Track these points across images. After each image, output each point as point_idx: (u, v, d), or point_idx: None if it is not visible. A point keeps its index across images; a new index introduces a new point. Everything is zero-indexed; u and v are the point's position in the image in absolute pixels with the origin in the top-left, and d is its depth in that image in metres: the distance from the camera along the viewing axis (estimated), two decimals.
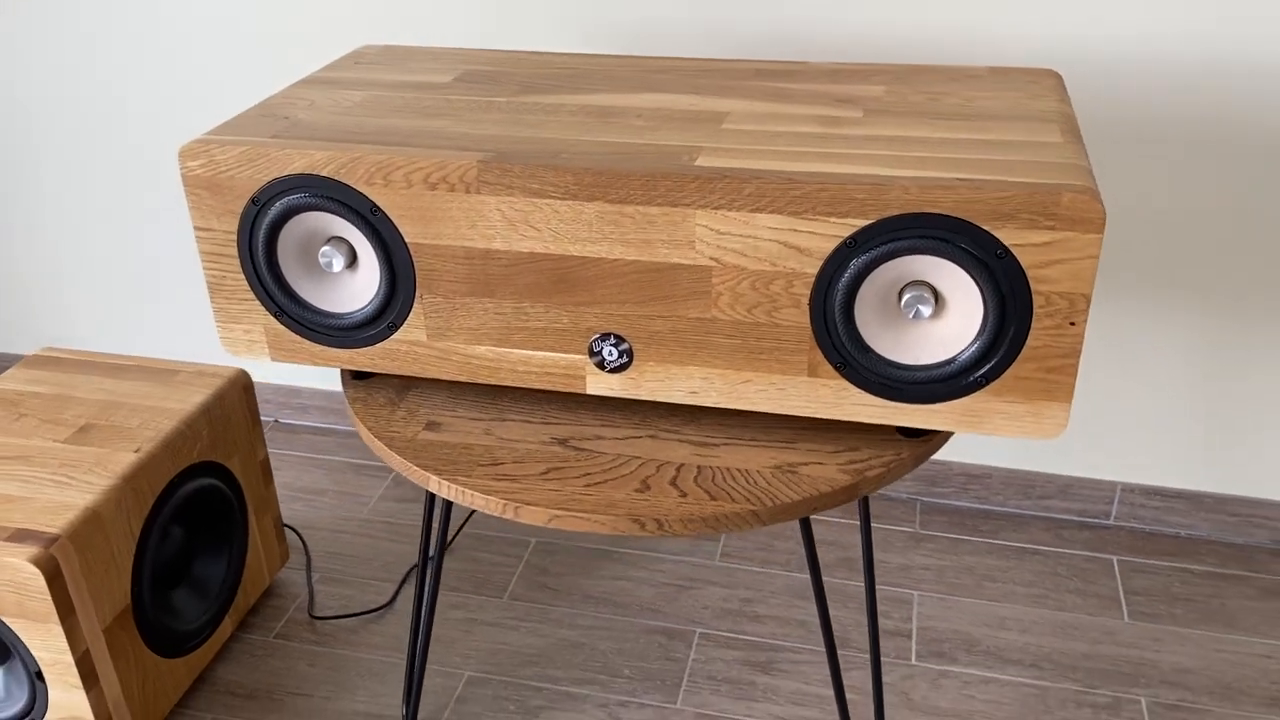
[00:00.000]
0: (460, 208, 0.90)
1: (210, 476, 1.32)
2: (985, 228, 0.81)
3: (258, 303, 1.00)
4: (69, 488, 1.16)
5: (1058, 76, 1.07)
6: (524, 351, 0.96)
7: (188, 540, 1.33)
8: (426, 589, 1.15)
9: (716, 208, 0.85)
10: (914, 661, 1.37)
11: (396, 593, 1.50)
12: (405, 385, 1.06)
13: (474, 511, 1.63)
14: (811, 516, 1.60)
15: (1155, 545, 1.56)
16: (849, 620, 1.43)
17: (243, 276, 0.99)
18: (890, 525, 1.60)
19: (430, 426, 0.99)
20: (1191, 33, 1.28)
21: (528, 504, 0.89)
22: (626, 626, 1.43)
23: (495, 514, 0.90)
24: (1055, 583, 1.49)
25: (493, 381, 0.98)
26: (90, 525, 1.12)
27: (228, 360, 1.84)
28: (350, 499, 1.69)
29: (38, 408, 1.30)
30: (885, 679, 1.34)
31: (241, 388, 1.37)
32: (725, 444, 0.96)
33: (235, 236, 0.97)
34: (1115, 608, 1.45)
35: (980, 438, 1.60)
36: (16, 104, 1.70)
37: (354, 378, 1.06)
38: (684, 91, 1.04)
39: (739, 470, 0.92)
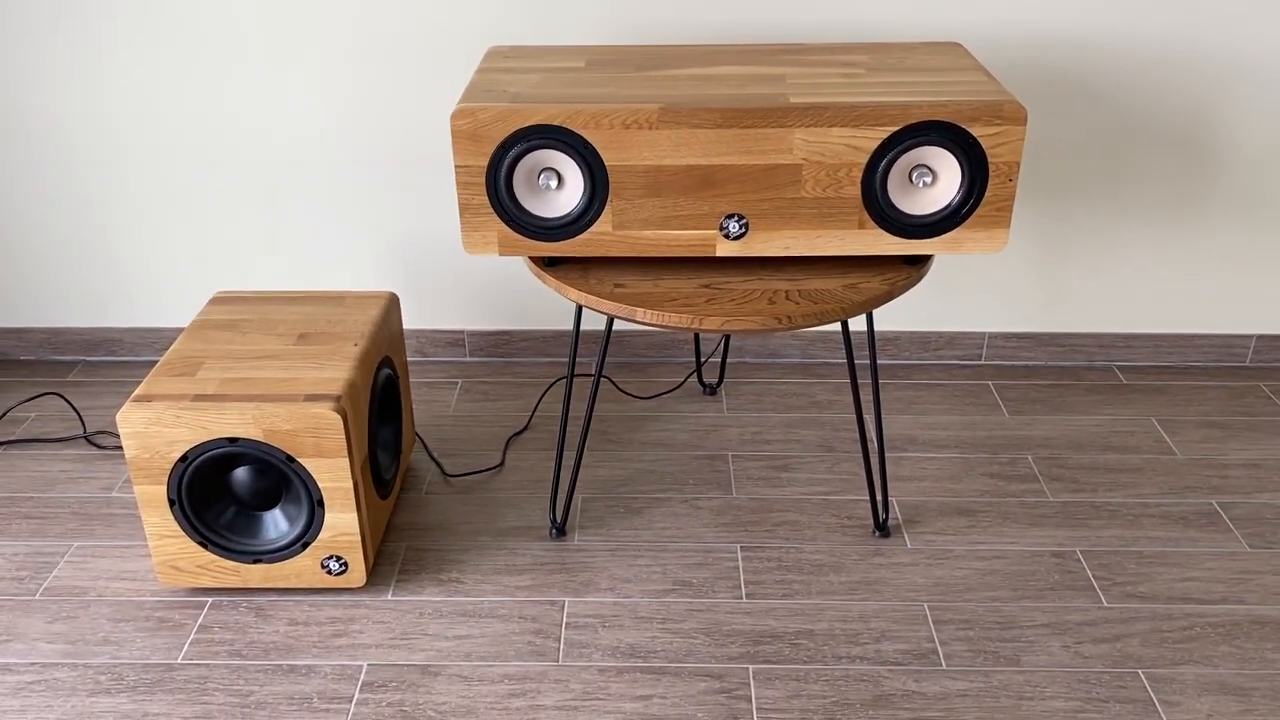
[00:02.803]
0: (645, 139, 1.44)
1: (388, 368, 1.78)
2: (963, 126, 1.43)
3: (494, 216, 1.50)
4: (326, 368, 1.60)
5: (961, 45, 1.71)
6: (676, 231, 1.51)
7: (379, 413, 1.78)
8: (587, 407, 1.67)
9: (809, 126, 1.43)
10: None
11: (503, 457, 1.99)
12: (584, 266, 1.58)
13: (542, 398, 2.14)
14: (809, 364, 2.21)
15: (1013, 372, 2.26)
16: (826, 435, 2.04)
17: (485, 198, 1.49)
18: (835, 379, 2.23)
19: (618, 285, 1.52)
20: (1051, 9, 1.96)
21: (707, 316, 1.45)
22: (678, 457, 1.99)
23: (683, 327, 1.45)
24: (955, 401, 2.16)
25: (654, 254, 1.52)
26: (353, 390, 1.58)
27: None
28: (434, 404, 2.15)
29: (255, 326, 1.72)
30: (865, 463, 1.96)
31: (396, 305, 1.83)
32: (806, 278, 1.54)
33: (485, 170, 1.47)
34: (999, 410, 2.13)
35: (891, 312, 2.25)
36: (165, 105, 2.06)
37: (546, 265, 1.57)
38: (744, 64, 1.62)
39: (823, 289, 1.51)
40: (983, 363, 2.29)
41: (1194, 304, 2.22)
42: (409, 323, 2.27)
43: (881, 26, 1.96)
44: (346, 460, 1.55)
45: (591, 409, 1.67)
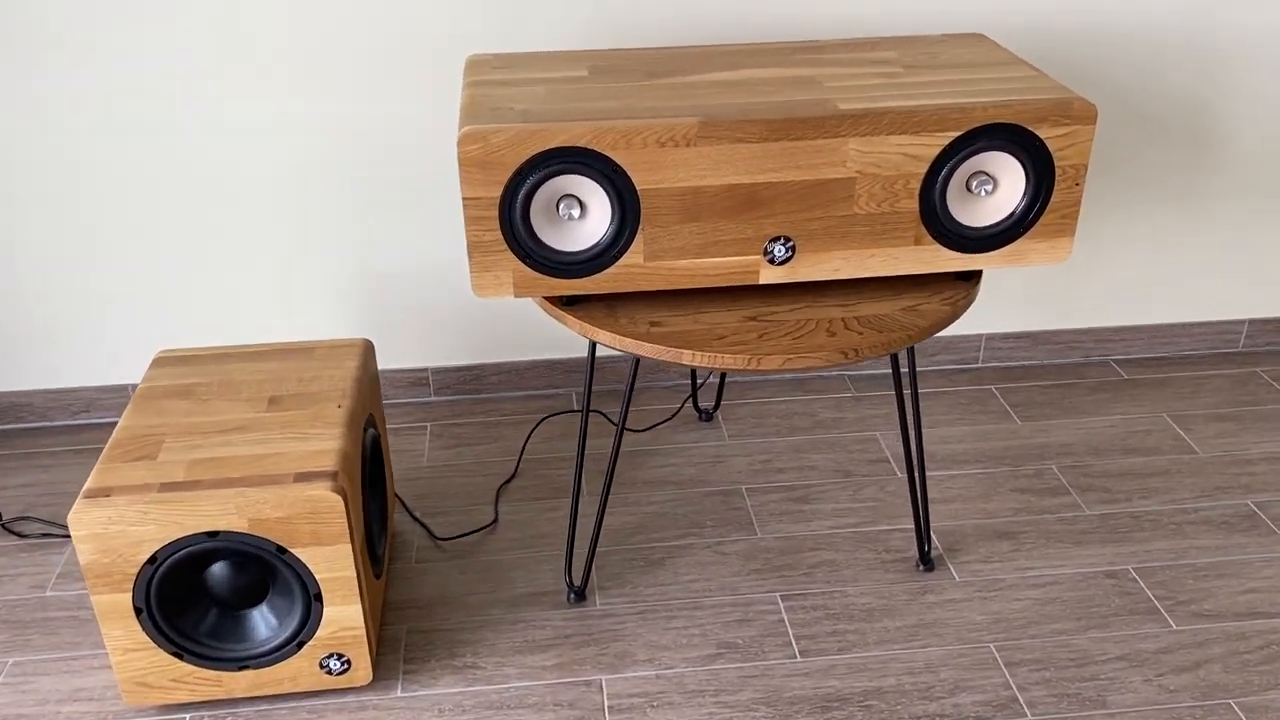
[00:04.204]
0: (681, 158, 1.27)
1: (372, 427, 1.56)
2: (1029, 128, 1.30)
3: (508, 253, 1.30)
4: (311, 438, 1.38)
5: (986, 36, 1.58)
6: (715, 259, 1.33)
7: (369, 481, 1.56)
8: (577, 448, 1.48)
9: (864, 135, 1.28)
10: (899, 475, 1.86)
11: (496, 511, 1.79)
12: (607, 303, 1.39)
13: (529, 439, 1.94)
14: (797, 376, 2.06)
15: (1013, 374, 2.16)
16: (839, 459, 1.89)
17: (499, 233, 1.28)
18: (832, 395, 2.09)
19: (653, 324, 1.34)
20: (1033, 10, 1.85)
21: (766, 354, 1.28)
22: (689, 495, 1.82)
23: (740, 369, 1.28)
24: (962, 410, 2.05)
25: (690, 286, 1.34)
26: (347, 462, 1.36)
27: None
28: (405, 455, 1.93)
29: (215, 391, 1.48)
30: (889, 488, 1.83)
31: (371, 353, 1.61)
32: (858, 302, 1.39)
33: (499, 202, 1.27)
34: (1009, 417, 2.02)
35: None
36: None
37: (564, 304, 1.38)
38: (766, 66, 1.45)
39: (882, 314, 1.36)
40: (981, 366, 2.18)
41: (1185, 293, 2.16)
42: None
43: (878, 17, 1.82)
44: (349, 547, 1.33)
45: (583, 449, 1.49)
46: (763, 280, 1.35)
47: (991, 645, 1.52)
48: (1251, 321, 2.19)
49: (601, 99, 1.33)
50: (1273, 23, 1.89)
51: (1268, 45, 1.91)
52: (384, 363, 2.04)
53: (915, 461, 1.56)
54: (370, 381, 1.57)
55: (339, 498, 1.30)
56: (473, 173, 1.25)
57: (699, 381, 2.09)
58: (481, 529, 1.75)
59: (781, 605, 1.59)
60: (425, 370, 2.05)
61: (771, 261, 1.34)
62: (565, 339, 2.06)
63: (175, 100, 1.77)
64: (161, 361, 1.56)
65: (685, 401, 2.05)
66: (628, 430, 1.99)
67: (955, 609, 1.58)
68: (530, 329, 2.03)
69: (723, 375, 1.97)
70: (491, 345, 2.05)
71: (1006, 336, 2.16)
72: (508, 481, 1.86)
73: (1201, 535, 1.71)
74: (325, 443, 1.37)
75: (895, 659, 1.49)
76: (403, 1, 1.73)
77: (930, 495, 1.81)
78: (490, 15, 1.75)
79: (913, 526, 1.74)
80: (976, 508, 1.78)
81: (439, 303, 1.98)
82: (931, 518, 1.76)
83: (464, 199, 1.26)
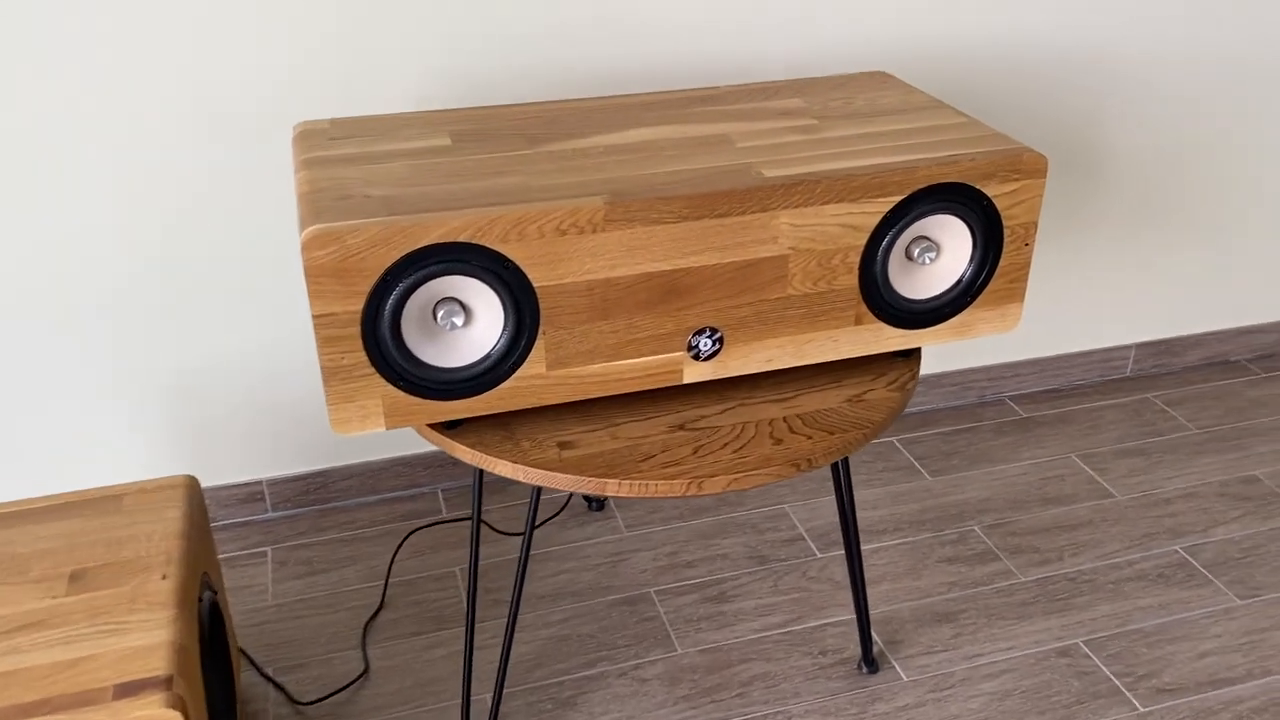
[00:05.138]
0: (586, 247, 1.03)
1: (209, 588, 1.25)
2: (978, 186, 1.13)
3: (374, 377, 1.03)
4: (131, 630, 1.07)
5: (888, 74, 1.42)
6: (631, 360, 1.11)
7: (208, 661, 1.25)
8: (469, 571, 1.23)
9: (796, 206, 1.08)
10: (819, 554, 1.68)
11: (365, 658, 1.50)
12: (502, 422, 1.14)
13: (394, 559, 1.65)
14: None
15: (913, 422, 2.02)
16: (750, 542, 1.70)
17: (362, 354, 1.02)
18: None
19: (563, 446, 1.10)
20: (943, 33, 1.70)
21: (708, 477, 1.06)
22: (592, 609, 1.58)
23: (678, 495, 1.05)
24: (868, 469, 1.89)
25: (603, 394, 1.11)
26: (183, 658, 1.06)
27: (101, 479, 1.63)
28: (244, 592, 1.61)
29: None
30: (810, 573, 1.64)
31: (198, 492, 1.30)
32: (796, 395, 1.19)
33: (360, 317, 1.00)
34: (918, 473, 1.88)
35: None
36: None
37: (445, 429, 1.12)
38: (665, 123, 1.23)
39: (827, 409, 1.16)
40: None
41: (1070, 322, 2.08)
42: None
43: (758, 56, 1.63)
44: None
45: (474, 585, 1.24)
46: (687, 380, 1.13)
47: None
48: (1138, 346, 2.13)
49: (478, 176, 1.08)
50: (1143, 50, 1.81)
51: (1137, 73, 1.83)
52: (208, 480, 1.71)
53: (857, 569, 1.38)
54: (199, 532, 1.27)
55: (177, 715, 0.99)
56: (325, 284, 0.98)
57: None
58: (350, 684, 1.46)
59: None
60: (259, 483, 1.74)
61: (696, 357, 1.13)
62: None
63: None
64: None
65: (571, 494, 1.81)
66: (506, 535, 1.73)
67: (912, 717, 1.40)
68: None
69: None
70: (336, 446, 1.75)
71: None
72: (374, 615, 1.57)
73: (1141, 594, 1.60)
74: (151, 634, 1.06)
75: None
76: (199, 60, 1.42)
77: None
78: (311, 71, 1.46)
79: (845, 617, 1.56)
80: (908, 587, 1.62)
81: (267, 401, 1.67)
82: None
83: (315, 316, 0.99)
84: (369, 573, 1.65)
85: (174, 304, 1.56)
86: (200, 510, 1.29)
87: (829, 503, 1.80)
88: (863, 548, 1.69)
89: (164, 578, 1.14)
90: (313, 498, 1.77)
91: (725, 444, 1.11)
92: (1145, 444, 1.95)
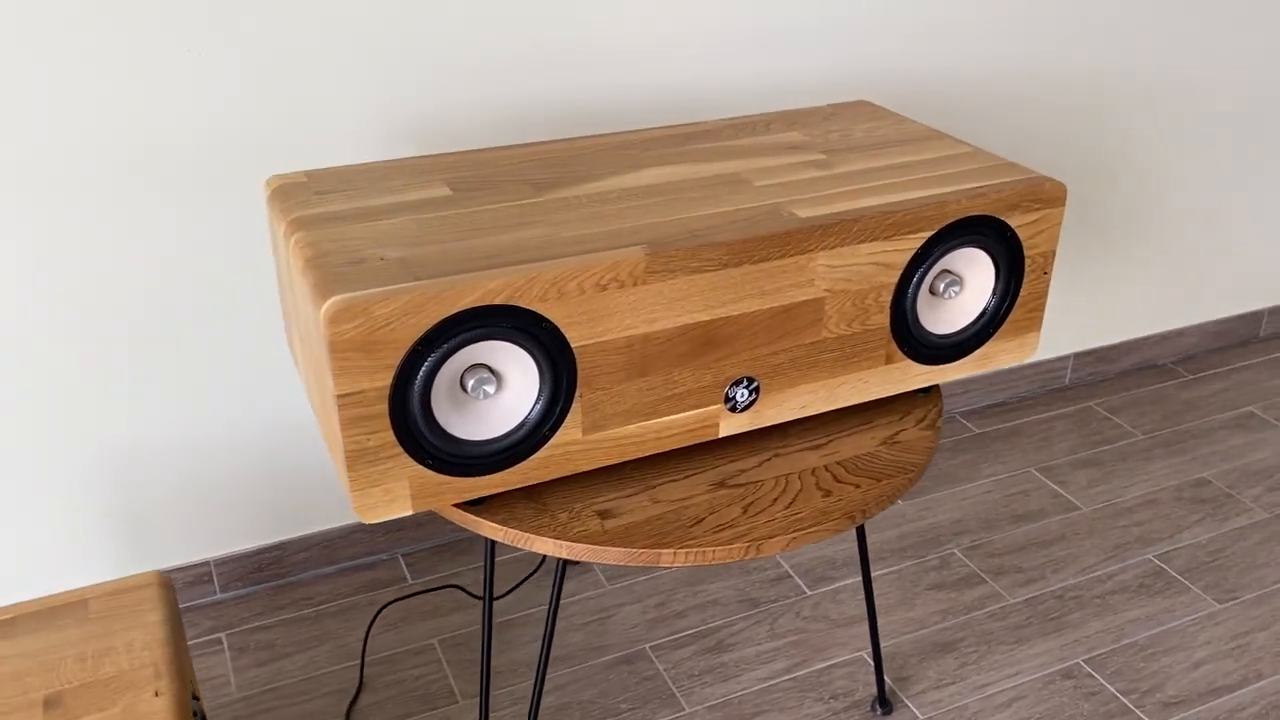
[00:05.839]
0: (627, 301, 0.96)
1: (195, 698, 1.12)
2: (1002, 218, 1.11)
3: (401, 457, 0.93)
4: None
5: (871, 103, 1.39)
6: (668, 418, 1.04)
7: None
8: (483, 652, 1.14)
9: (832, 247, 1.03)
10: (808, 592, 1.64)
11: None
12: (529, 494, 1.05)
13: (368, 636, 1.52)
14: None
15: None
16: (738, 585, 1.64)
17: (390, 434, 0.92)
18: None
19: (604, 515, 1.02)
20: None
21: (765, 539, 1.00)
22: (588, 673, 1.50)
23: (737, 560, 0.99)
24: None
25: (640, 455, 1.04)
26: None
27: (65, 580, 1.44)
28: (208, 685, 1.46)
29: None
30: (804, 614, 1.60)
31: (173, 592, 1.16)
32: (830, 440, 1.14)
33: (388, 393, 0.90)
34: None
35: None
36: None
37: (469, 507, 1.03)
38: (673, 162, 1.17)
39: (866, 454, 1.12)
40: None
41: None
42: (111, 571, 1.54)
43: (730, 88, 1.59)
44: None
45: (487, 659, 1.15)
46: (723, 433, 1.07)
47: None
48: (1076, 355, 2.17)
49: (496, 230, 1.00)
50: (1063, 71, 1.85)
51: (1068, 89, 1.87)
52: (145, 564, 1.55)
53: (872, 615, 1.34)
54: (180, 637, 1.13)
55: None
56: (352, 359, 0.88)
57: None
58: None
59: None
60: (205, 563, 1.59)
61: (733, 409, 1.07)
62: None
63: None
64: None
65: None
66: (480, 599, 1.63)
67: None
68: (333, 484, 1.63)
69: None
70: (289, 515, 1.62)
71: None
72: (354, 699, 1.45)
73: (1127, 606, 1.62)
74: None
75: None
76: (135, 105, 1.28)
77: (848, 614, 1.60)
78: (258, 117, 1.34)
79: (847, 657, 1.52)
80: (903, 619, 1.59)
81: (208, 476, 1.53)
82: (867, 644, 1.54)
83: (339, 396, 0.89)
84: (340, 652, 1.53)
85: (96, 379, 1.41)
86: (177, 612, 1.15)
87: None
88: (845, 582, 1.66)
89: (157, 694, 1.01)
90: (266, 574, 1.63)
91: (774, 500, 1.05)
92: (1097, 453, 1.99)
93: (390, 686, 1.47)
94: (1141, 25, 1.86)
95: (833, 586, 1.65)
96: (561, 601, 1.62)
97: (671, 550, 0.98)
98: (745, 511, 1.03)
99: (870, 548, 1.74)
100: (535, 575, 1.67)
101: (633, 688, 1.47)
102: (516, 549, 1.74)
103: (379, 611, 1.58)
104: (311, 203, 1.06)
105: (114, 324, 1.39)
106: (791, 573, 1.68)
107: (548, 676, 1.49)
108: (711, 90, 1.57)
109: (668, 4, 1.49)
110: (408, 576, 1.67)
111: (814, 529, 1.01)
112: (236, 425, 1.51)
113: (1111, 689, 1.47)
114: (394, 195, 1.08)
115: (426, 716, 1.42)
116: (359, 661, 1.51)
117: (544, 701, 1.45)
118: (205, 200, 1.36)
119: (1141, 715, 1.43)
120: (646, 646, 1.54)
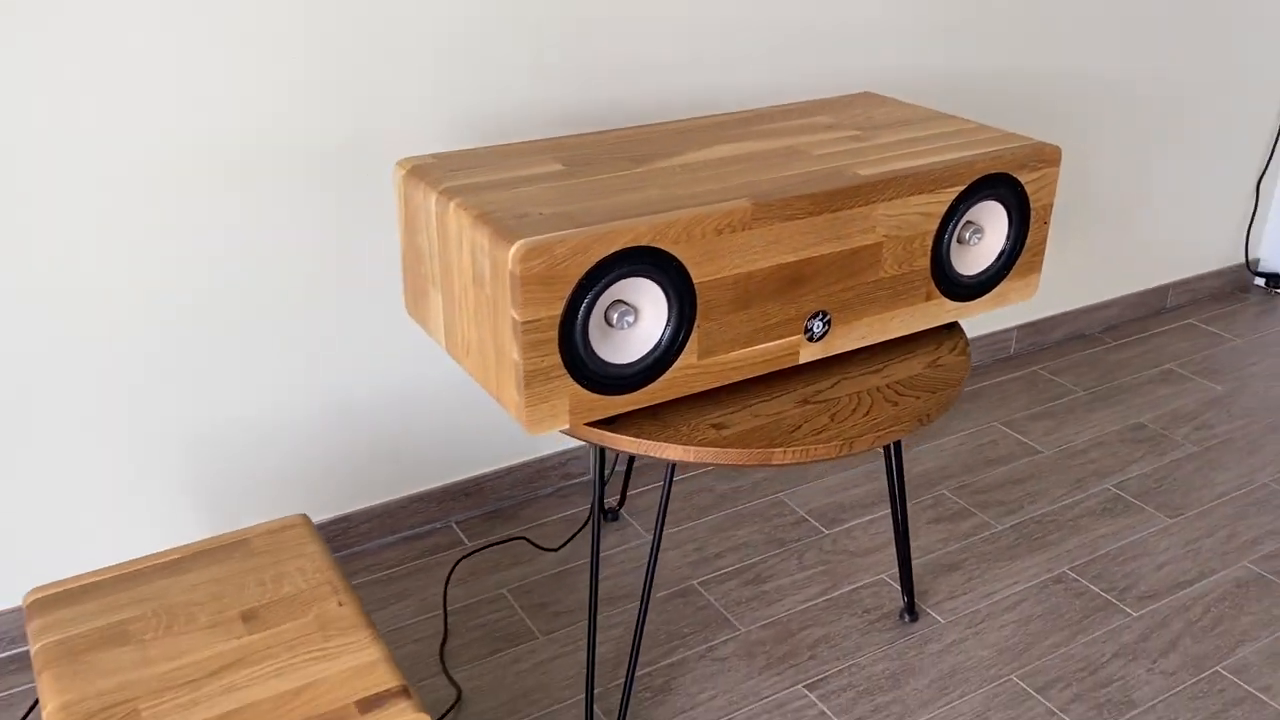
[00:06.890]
0: (737, 243, 1.16)
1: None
2: (1015, 175, 1.35)
3: (564, 378, 1.11)
4: (340, 652, 1.08)
5: (874, 93, 1.63)
6: (761, 345, 1.24)
7: None
8: (589, 591, 1.31)
9: (890, 199, 1.25)
10: (826, 531, 1.85)
11: (454, 682, 1.52)
12: (650, 414, 1.23)
13: (447, 588, 1.67)
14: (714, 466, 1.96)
15: None
16: (764, 529, 1.84)
17: (557, 357, 1.09)
18: (685, 477, 2.04)
19: (717, 427, 1.21)
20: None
21: (856, 437, 1.20)
22: (649, 606, 1.67)
23: (831, 457, 1.19)
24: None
25: (739, 378, 1.24)
26: (401, 668, 1.08)
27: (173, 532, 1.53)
28: None
29: (153, 626, 1.11)
30: (825, 548, 1.81)
31: (315, 529, 1.30)
32: (881, 367, 1.35)
33: (559, 321, 1.08)
34: (877, 455, 2.09)
35: None
36: None
37: (603, 426, 1.20)
38: (738, 140, 1.38)
39: (916, 375, 1.33)
40: None
41: None
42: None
43: (751, 88, 1.81)
44: None
45: (596, 571, 1.32)
46: (802, 359, 1.28)
47: (1014, 677, 1.54)
48: (1020, 327, 2.45)
49: (622, 191, 1.19)
50: (999, 68, 2.14)
51: (1000, 88, 2.16)
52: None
53: (902, 529, 1.55)
54: (330, 560, 1.28)
55: (427, 718, 1.03)
56: (534, 292, 1.05)
57: (606, 477, 1.93)
58: (451, 709, 1.48)
59: (812, 696, 1.50)
60: None
61: (810, 339, 1.27)
62: (433, 465, 1.81)
63: None
64: (43, 606, 1.15)
65: (594, 506, 1.89)
66: (546, 550, 1.79)
67: (962, 651, 1.59)
68: (389, 461, 1.77)
69: (630, 464, 1.83)
70: (355, 489, 1.75)
71: None
72: (443, 643, 1.59)
73: (1096, 525, 1.87)
74: (361, 653, 1.08)
75: (949, 717, 1.47)
76: (242, 100, 1.43)
77: (864, 546, 1.82)
78: (329, 113, 1.51)
79: (870, 580, 1.73)
80: (912, 548, 1.81)
81: (281, 453, 1.66)
82: (886, 570, 1.76)
83: (523, 323, 1.06)
84: (418, 606, 1.67)
85: (175, 364, 1.54)
86: (326, 545, 1.29)
87: (815, 488, 1.98)
88: (857, 521, 1.88)
89: (340, 604, 1.16)
90: (335, 545, 1.76)
91: (853, 410, 1.26)
92: (1049, 407, 2.26)
93: (473, 630, 1.62)
94: (1080, 26, 2.16)
95: (846, 526, 1.87)
96: (608, 553, 1.79)
97: (782, 449, 1.18)
98: (833, 419, 1.24)
99: (870, 495, 1.96)
100: (583, 531, 1.84)
101: (690, 615, 1.65)
102: (570, 507, 1.90)
103: (455, 564, 1.73)
104: (452, 177, 1.23)
105: (205, 311, 1.52)
106: (808, 517, 1.89)
107: (613, 613, 1.65)
108: (719, 91, 1.80)
109: (692, 31, 1.71)
110: (464, 540, 1.82)
111: (893, 429, 1.22)
112: (296, 407, 1.65)
113: (1095, 589, 1.72)
114: (517, 170, 1.26)
115: (513, 652, 1.58)
116: (441, 612, 1.65)
117: (615, 633, 1.61)
118: (316, 188, 1.51)
119: (1124, 606, 1.68)
120: (694, 582, 1.73)
